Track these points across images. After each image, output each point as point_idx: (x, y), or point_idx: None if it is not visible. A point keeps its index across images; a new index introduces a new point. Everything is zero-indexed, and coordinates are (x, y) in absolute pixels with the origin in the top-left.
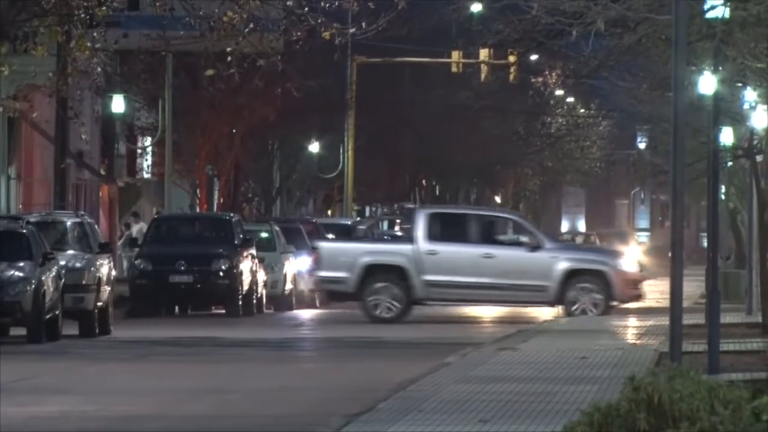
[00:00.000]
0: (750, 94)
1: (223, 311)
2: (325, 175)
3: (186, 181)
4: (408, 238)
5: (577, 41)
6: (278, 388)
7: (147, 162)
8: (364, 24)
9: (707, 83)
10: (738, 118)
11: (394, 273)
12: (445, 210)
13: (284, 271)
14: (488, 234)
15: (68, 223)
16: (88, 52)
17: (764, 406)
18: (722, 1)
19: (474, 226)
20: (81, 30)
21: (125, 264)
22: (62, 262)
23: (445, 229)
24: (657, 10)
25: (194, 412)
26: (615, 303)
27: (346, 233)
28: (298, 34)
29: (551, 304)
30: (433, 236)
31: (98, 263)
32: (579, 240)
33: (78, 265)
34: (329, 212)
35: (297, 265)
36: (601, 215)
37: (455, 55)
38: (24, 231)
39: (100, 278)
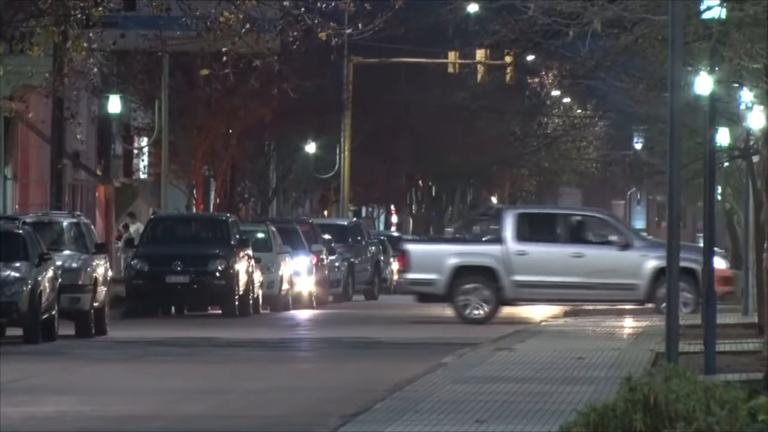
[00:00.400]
0: (746, 95)
1: (220, 312)
2: (321, 175)
3: (182, 181)
4: (496, 238)
5: (574, 42)
6: (275, 388)
7: (143, 162)
8: (360, 24)
9: (704, 84)
10: (734, 119)
11: (484, 274)
12: (533, 210)
13: (280, 272)
14: (577, 233)
15: (64, 224)
16: (85, 53)
17: (760, 406)
18: (719, 2)
19: (563, 226)
20: (77, 30)
21: (123, 265)
22: (58, 263)
23: (534, 229)
24: (653, 11)
25: (191, 412)
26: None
27: (342, 234)
28: (295, 34)
29: (641, 302)
30: (521, 236)
31: (94, 264)
32: None
33: (74, 265)
34: (325, 213)
35: (293, 266)
36: None
37: (452, 56)
38: (20, 231)
39: (96, 278)
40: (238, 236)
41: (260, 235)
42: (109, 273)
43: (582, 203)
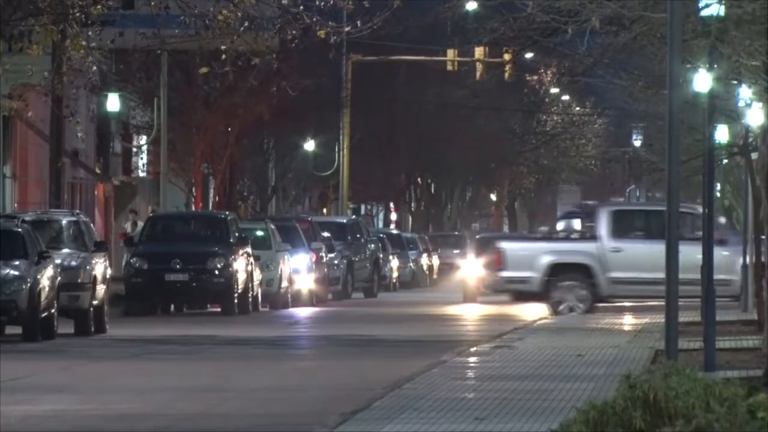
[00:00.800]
0: (745, 92)
1: (219, 309)
2: (320, 173)
3: (181, 179)
4: (591, 236)
5: (572, 39)
6: (274, 386)
7: (142, 160)
8: (359, 22)
9: (702, 81)
10: (733, 116)
11: (579, 271)
12: (627, 207)
13: (280, 270)
14: None
15: (64, 222)
16: (83, 51)
17: (760, 403)
18: None
19: (657, 222)
20: (76, 29)
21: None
22: (58, 261)
23: (629, 226)
24: (652, 8)
25: (190, 410)
26: None
27: (341, 231)
28: (293, 32)
29: (737, 298)
30: (616, 233)
31: (94, 262)
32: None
33: (73, 263)
34: (324, 210)
35: (292, 264)
36: None
37: (450, 54)
38: (19, 230)
39: (95, 277)
40: (237, 234)
41: (259, 233)
42: (108, 271)
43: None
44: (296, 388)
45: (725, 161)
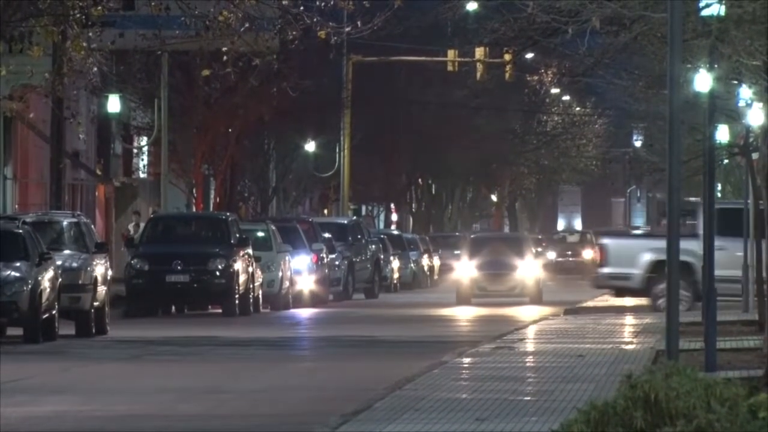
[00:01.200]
0: (745, 92)
1: (220, 311)
2: (321, 174)
3: (182, 180)
4: (693, 233)
5: (573, 39)
6: (275, 387)
7: (143, 161)
8: (359, 23)
9: (703, 81)
10: (734, 116)
11: (681, 269)
12: (729, 205)
13: (281, 271)
14: None
15: (64, 223)
16: (84, 52)
17: (761, 403)
18: None
19: (760, 221)
20: (77, 30)
21: None
22: (59, 262)
23: (730, 224)
24: (652, 8)
25: (191, 411)
26: None
27: (342, 232)
28: (294, 33)
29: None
30: (718, 231)
31: (94, 263)
32: (574, 239)
33: (74, 265)
34: (325, 211)
35: (293, 265)
36: (597, 213)
37: (451, 54)
38: (20, 231)
39: (96, 278)
40: (238, 235)
41: (260, 234)
42: (109, 272)
43: (582, 201)
44: (297, 389)
45: (726, 161)
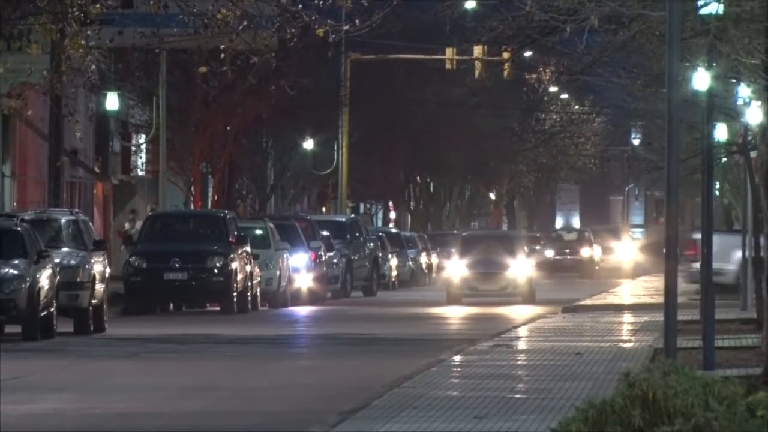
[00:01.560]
0: (744, 90)
1: (218, 308)
2: (319, 172)
3: (180, 178)
4: None
5: (571, 38)
6: (273, 385)
7: (141, 159)
8: (357, 21)
9: (701, 79)
10: (732, 114)
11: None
12: None
13: (279, 268)
14: None
15: (63, 221)
16: (82, 50)
17: (759, 401)
18: None
19: None
20: (75, 28)
21: None
22: (57, 260)
23: None
24: (651, 7)
25: (189, 409)
26: None
27: (340, 230)
28: (292, 31)
29: None
30: None
31: (93, 261)
32: (572, 236)
33: (73, 262)
34: (323, 209)
35: (292, 262)
36: (595, 212)
37: (449, 52)
38: (18, 229)
39: (94, 276)
40: (236, 233)
41: (258, 232)
42: (107, 270)
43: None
44: (295, 387)
45: (724, 160)
